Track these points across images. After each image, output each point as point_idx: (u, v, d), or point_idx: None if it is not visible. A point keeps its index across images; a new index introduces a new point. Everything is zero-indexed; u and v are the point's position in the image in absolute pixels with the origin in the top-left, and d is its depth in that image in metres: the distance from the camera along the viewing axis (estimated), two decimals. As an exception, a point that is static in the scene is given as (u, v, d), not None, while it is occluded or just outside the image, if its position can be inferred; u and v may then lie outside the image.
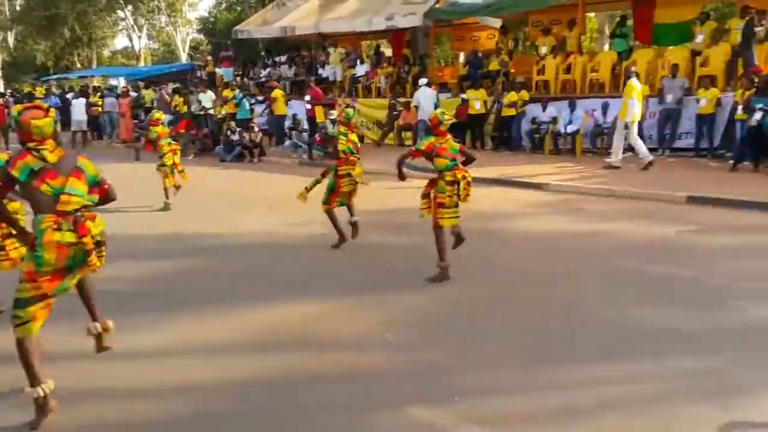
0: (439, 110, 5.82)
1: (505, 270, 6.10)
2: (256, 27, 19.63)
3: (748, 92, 10.40)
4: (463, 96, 14.28)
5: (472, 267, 6.03)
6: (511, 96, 13.45)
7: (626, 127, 10.76)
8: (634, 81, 10.67)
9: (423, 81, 14.30)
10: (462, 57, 19.02)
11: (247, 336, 4.62)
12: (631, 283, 5.53)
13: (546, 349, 4.25)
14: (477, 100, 13.91)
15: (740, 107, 10.54)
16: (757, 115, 9.90)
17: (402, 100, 15.13)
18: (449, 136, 5.63)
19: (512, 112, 13.49)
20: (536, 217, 8.24)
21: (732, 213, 7.91)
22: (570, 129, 12.80)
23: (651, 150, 12.14)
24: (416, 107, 14.08)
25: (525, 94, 13.55)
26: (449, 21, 16.55)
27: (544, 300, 5.19)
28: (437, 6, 15.26)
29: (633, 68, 11.35)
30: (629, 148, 11.33)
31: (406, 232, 6.37)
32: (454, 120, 5.65)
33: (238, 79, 20.35)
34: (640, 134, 12.18)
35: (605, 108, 12.40)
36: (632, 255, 6.31)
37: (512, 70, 15.29)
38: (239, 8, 29.96)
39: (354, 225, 6.92)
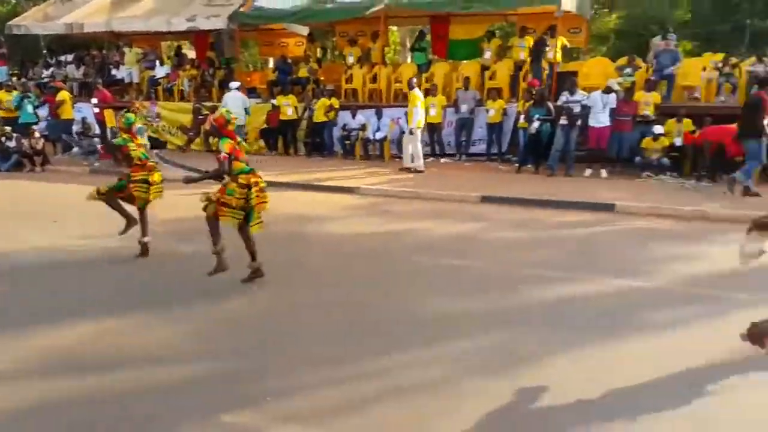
0: (224, 109, 5.60)
1: (315, 271, 6.07)
2: (35, 22, 17.39)
3: (528, 103, 11.69)
4: (274, 102, 14.09)
5: (284, 270, 5.91)
6: (323, 102, 13.59)
7: (411, 132, 11.48)
8: (416, 91, 11.52)
9: (234, 84, 13.77)
10: (271, 62, 18.80)
11: (45, 359, 4.07)
12: (429, 276, 5.86)
13: (353, 344, 4.34)
14: (288, 106, 13.81)
15: (522, 117, 11.79)
16: (536, 124, 11.16)
17: (208, 104, 14.43)
18: (239, 138, 5.42)
19: (324, 118, 13.64)
20: (347, 220, 8.36)
21: (517, 209, 8.76)
22: (378, 136, 13.30)
23: (449, 155, 13.14)
24: (224, 112, 13.52)
25: (335, 102, 13.78)
26: (255, 25, 16.23)
27: (352, 298, 5.26)
28: (242, 9, 14.86)
29: (414, 80, 12.16)
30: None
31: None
32: (233, 121, 5.40)
33: (15, 79, 17.84)
34: (440, 141, 13.16)
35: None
36: (432, 251, 6.69)
37: (322, 78, 15.46)
38: (14, 0, 26.38)
39: (144, 246, 6.37)
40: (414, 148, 11.60)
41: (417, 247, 6.94)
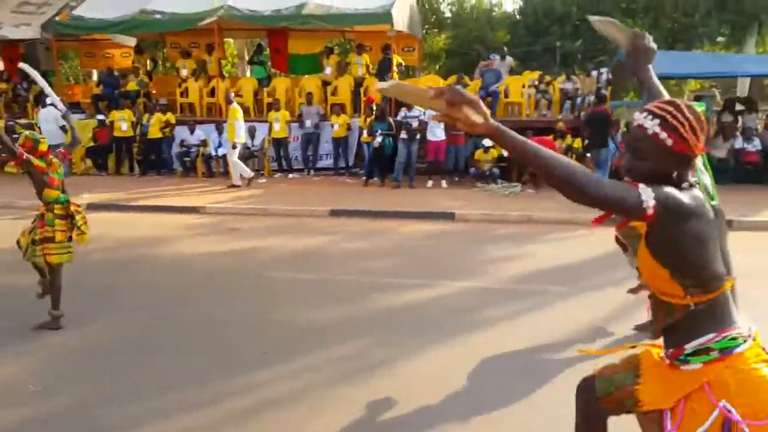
0: (28, 131, 5.00)
1: (164, 294, 5.71)
2: None
3: (370, 118, 12.05)
4: (101, 117, 13.05)
5: (130, 295, 5.57)
6: (158, 118, 12.87)
7: (234, 146, 11.45)
8: (235, 105, 11.56)
9: (49, 100, 12.46)
10: (95, 75, 17.40)
11: None
12: (283, 291, 5.81)
13: (209, 363, 4.18)
14: (123, 121, 12.87)
15: (365, 131, 12.11)
16: (378, 138, 11.53)
17: (23, 121, 12.98)
18: (55, 160, 4.85)
19: (159, 134, 12.91)
20: (193, 240, 7.99)
21: (366, 221, 8.97)
22: (221, 152, 12.82)
23: (299, 170, 13.11)
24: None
25: (171, 117, 13.12)
26: (76, 35, 14.92)
27: (204, 318, 5.06)
28: (58, 18, 13.58)
29: (232, 94, 12.15)
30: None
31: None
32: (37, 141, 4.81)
33: None
34: (287, 156, 13.08)
35: (252, 132, 12.82)
36: (283, 266, 6.65)
37: (153, 91, 14.63)
38: None
39: None
40: (235, 162, 11.58)
41: (268, 263, 6.83)
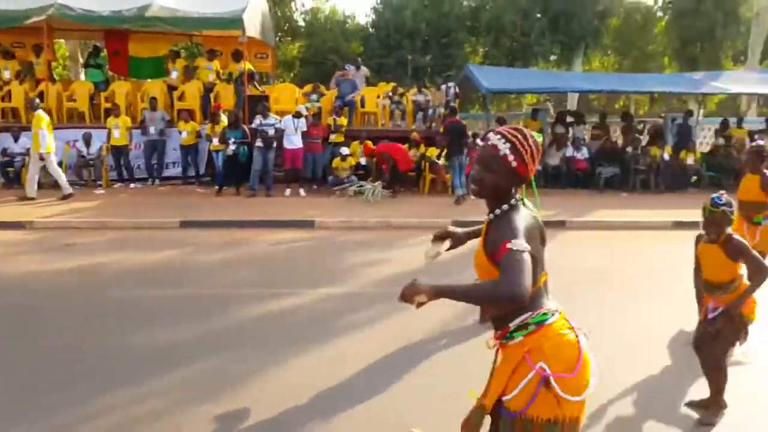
0: None
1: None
2: None
3: (218, 126, 11.52)
4: None
5: None
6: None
7: (41, 158, 10.44)
8: (40, 112, 10.55)
9: None
10: None
11: None
12: (131, 310, 5.29)
13: (51, 393, 3.73)
14: None
15: (215, 139, 11.53)
16: (232, 146, 11.05)
17: None
18: None
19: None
20: (18, 259, 7.07)
21: (220, 232, 8.50)
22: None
23: (142, 180, 12.17)
24: None
25: (-10, 123, 11.60)
26: None
27: (34, 347, 4.44)
28: None
29: (37, 100, 11.12)
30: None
31: None
32: None
33: None
34: (128, 165, 12.09)
35: (88, 139, 11.74)
36: (128, 283, 6.10)
37: (-34, 95, 12.84)
38: None
39: None
40: (55, 172, 10.56)
41: (111, 280, 6.20)
